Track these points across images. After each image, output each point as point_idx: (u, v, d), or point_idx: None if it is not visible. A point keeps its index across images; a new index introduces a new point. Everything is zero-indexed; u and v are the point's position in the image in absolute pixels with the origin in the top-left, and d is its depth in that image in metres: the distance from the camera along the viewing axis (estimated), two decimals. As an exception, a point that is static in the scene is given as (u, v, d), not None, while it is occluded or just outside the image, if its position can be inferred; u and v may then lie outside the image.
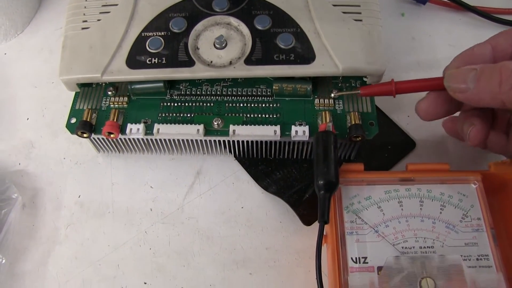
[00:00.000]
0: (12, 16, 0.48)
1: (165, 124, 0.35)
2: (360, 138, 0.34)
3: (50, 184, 0.40)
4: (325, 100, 0.36)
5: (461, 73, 0.30)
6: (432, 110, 0.33)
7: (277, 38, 0.36)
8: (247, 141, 0.36)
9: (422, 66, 0.45)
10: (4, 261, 0.35)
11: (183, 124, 0.35)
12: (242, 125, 0.35)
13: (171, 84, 0.38)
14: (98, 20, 0.38)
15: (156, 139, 0.37)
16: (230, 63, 0.36)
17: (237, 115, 0.36)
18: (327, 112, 0.35)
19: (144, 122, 0.36)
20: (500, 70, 0.28)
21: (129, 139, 0.37)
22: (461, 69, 0.30)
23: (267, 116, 0.36)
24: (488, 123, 0.33)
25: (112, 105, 0.37)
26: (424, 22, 0.48)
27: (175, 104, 0.37)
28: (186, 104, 0.37)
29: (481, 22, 0.47)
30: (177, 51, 0.36)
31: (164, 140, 0.37)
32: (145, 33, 0.37)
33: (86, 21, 0.38)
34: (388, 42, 0.46)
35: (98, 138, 0.37)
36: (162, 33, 0.37)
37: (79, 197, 0.39)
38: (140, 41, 0.36)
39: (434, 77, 0.33)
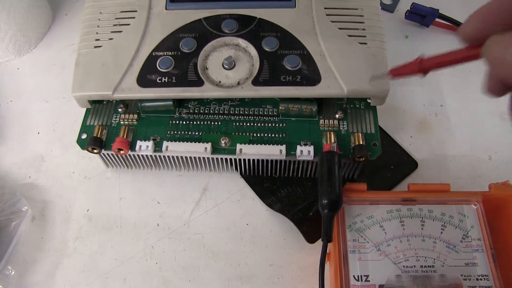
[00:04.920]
0: (26, 32, 0.49)
1: (173, 141, 0.36)
2: (363, 159, 0.35)
3: (59, 197, 0.41)
4: (330, 121, 0.37)
5: (503, 40, 0.22)
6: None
7: (284, 60, 0.37)
8: (253, 160, 0.37)
9: (425, 88, 0.46)
10: (13, 272, 0.36)
11: (191, 142, 0.36)
12: (249, 144, 0.36)
13: (180, 102, 0.38)
14: (111, 39, 0.39)
15: (164, 156, 0.37)
16: (238, 83, 0.36)
17: (244, 134, 0.37)
18: (331, 132, 0.36)
19: (153, 139, 0.37)
20: None
21: (138, 155, 0.38)
22: (504, 35, 0.22)
23: (273, 135, 0.37)
24: None
25: (122, 122, 0.38)
26: (428, 44, 0.49)
27: (184, 122, 0.38)
28: (195, 122, 0.38)
29: (483, 45, 0.48)
30: (186, 71, 0.37)
31: (172, 157, 0.38)
32: (156, 53, 0.38)
33: (99, 39, 0.39)
34: (393, 63, 0.46)
35: (107, 154, 0.38)
36: (172, 53, 0.38)
37: (87, 210, 0.40)
38: (151, 60, 0.37)
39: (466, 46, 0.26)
